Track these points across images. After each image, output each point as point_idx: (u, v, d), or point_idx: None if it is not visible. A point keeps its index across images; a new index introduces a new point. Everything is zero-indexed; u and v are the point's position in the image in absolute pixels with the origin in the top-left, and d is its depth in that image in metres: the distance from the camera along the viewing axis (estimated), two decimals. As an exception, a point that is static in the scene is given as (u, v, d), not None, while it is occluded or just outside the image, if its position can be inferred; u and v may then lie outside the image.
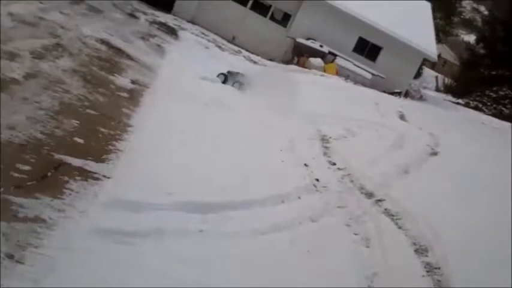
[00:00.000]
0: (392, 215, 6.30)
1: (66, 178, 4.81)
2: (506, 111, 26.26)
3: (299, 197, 6.23)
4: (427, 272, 5.17)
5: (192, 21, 17.41)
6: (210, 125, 7.94)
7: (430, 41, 18.83)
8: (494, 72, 28.08)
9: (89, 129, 6.05)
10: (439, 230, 5.87)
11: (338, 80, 15.24)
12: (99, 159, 5.46)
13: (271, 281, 4.46)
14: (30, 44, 7.76)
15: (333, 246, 5.39)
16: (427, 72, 36.36)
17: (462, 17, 43.43)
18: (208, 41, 15.73)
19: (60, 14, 10.13)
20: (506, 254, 5.57)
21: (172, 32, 14.75)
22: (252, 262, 4.65)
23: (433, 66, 39.20)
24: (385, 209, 6.44)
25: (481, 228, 6.19)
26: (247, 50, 17.08)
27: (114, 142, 6.04)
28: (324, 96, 11.76)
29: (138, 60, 9.96)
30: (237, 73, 11.56)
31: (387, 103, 13.37)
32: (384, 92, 16.39)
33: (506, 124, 19.07)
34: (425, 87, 29.33)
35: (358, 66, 17.28)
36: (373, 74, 17.28)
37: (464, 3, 44.10)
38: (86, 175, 5.02)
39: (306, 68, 15.94)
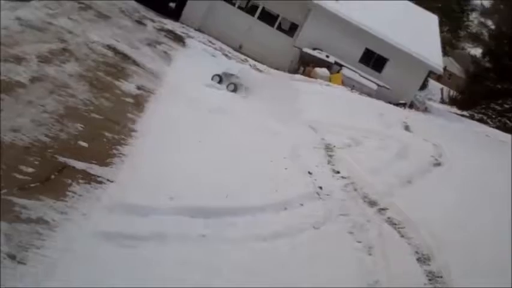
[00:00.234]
0: (395, 224, 6.30)
1: (69, 181, 4.84)
2: (510, 124, 26.38)
3: (302, 204, 6.21)
4: (429, 280, 5.16)
5: (199, 30, 17.47)
6: (213, 131, 7.95)
7: (436, 54, 18.80)
8: (499, 86, 28.27)
9: (93, 133, 6.08)
10: (441, 239, 5.85)
11: (343, 90, 15.25)
12: (103, 163, 5.49)
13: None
14: (37, 48, 7.82)
15: (335, 253, 5.37)
16: (433, 84, 36.31)
17: (469, 30, 43.46)
18: (215, 49, 15.76)
19: (69, 19, 10.19)
20: (508, 263, 5.57)
21: (179, 39, 14.80)
22: (254, 268, 4.64)
23: (438, 78, 39.19)
24: (388, 218, 6.45)
25: (483, 238, 6.18)
26: (253, 59, 17.11)
27: (118, 146, 6.07)
28: (329, 105, 11.79)
29: (144, 66, 10.00)
30: (232, 75, 11.55)
31: (392, 114, 13.41)
32: (389, 103, 16.41)
33: (510, 136, 19.03)
34: (430, 99, 29.25)
35: (364, 77, 17.25)
36: (378, 85, 17.26)
37: (471, 17, 44.18)
38: (89, 178, 5.05)
39: (311, 77, 15.93)
